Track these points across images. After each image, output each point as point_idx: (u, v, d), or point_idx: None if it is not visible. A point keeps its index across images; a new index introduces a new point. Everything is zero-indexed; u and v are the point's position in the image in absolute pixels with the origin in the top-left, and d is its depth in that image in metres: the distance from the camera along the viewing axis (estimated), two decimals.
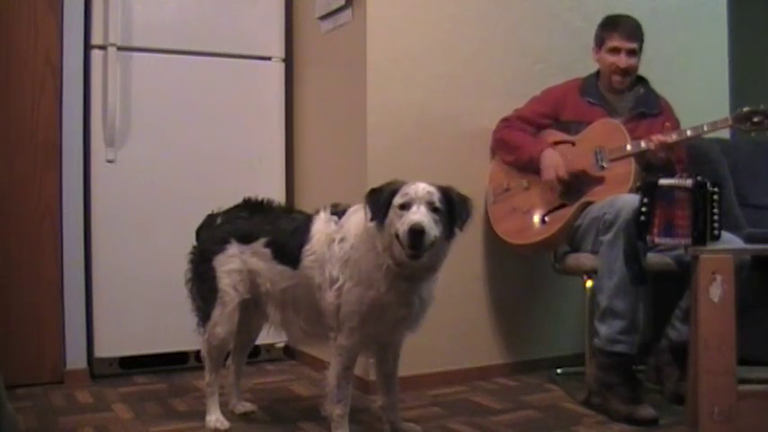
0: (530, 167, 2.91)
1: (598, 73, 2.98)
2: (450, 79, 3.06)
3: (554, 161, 2.83)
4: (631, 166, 2.71)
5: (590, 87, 2.96)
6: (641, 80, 2.98)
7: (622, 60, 2.86)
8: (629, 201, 2.52)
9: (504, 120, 3.04)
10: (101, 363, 3.13)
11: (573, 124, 2.92)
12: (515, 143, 2.96)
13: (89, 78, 3.09)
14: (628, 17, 2.93)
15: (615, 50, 2.87)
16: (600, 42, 2.94)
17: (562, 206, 2.83)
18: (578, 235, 2.77)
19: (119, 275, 3.10)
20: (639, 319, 2.55)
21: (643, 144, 2.70)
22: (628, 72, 2.88)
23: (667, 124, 2.72)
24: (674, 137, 2.70)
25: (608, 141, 2.79)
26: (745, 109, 2.60)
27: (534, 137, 2.96)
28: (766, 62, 4.16)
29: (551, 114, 2.98)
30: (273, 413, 2.62)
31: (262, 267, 2.31)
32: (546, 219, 2.85)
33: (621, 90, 2.92)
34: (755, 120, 2.58)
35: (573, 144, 2.89)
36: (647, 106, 2.91)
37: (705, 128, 2.66)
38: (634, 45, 2.86)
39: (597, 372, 2.59)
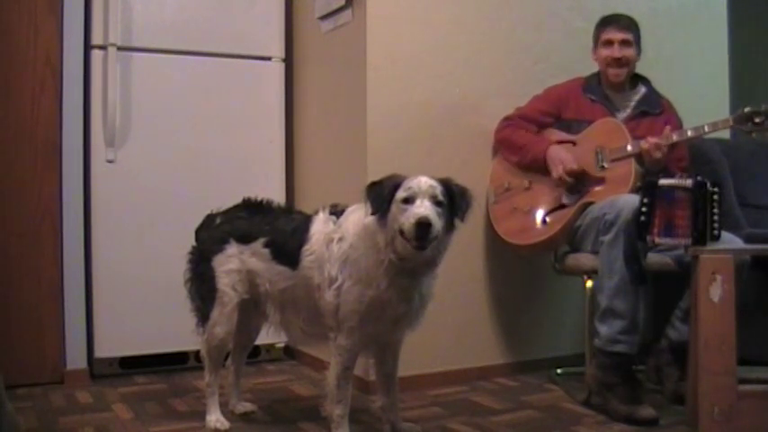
0: (533, 167, 2.91)
1: (600, 73, 2.99)
2: (450, 79, 3.06)
3: (560, 157, 2.83)
4: (632, 167, 2.70)
5: (592, 85, 2.97)
6: (643, 80, 2.98)
7: (615, 51, 2.87)
8: (630, 201, 2.51)
9: (506, 119, 3.04)
10: (101, 363, 3.13)
11: (574, 123, 2.93)
12: (519, 143, 2.96)
13: (89, 78, 3.09)
14: (621, 14, 2.96)
15: (608, 43, 2.90)
16: (596, 41, 2.97)
17: (562, 207, 2.82)
18: (578, 235, 2.77)
19: (119, 275, 3.10)
20: (640, 320, 2.54)
21: (642, 144, 2.70)
22: (622, 63, 2.88)
23: (668, 127, 2.72)
24: (674, 137, 2.70)
25: (609, 141, 2.79)
26: (747, 109, 2.59)
27: (537, 136, 2.96)
28: (766, 62, 4.16)
29: (553, 113, 2.98)
30: (273, 413, 2.62)
31: (261, 267, 2.31)
32: (547, 219, 2.85)
33: (621, 85, 2.93)
34: (757, 120, 2.57)
35: (574, 144, 2.89)
36: (649, 106, 2.91)
37: (706, 128, 2.66)
38: (627, 36, 2.88)
39: (597, 372, 2.58)
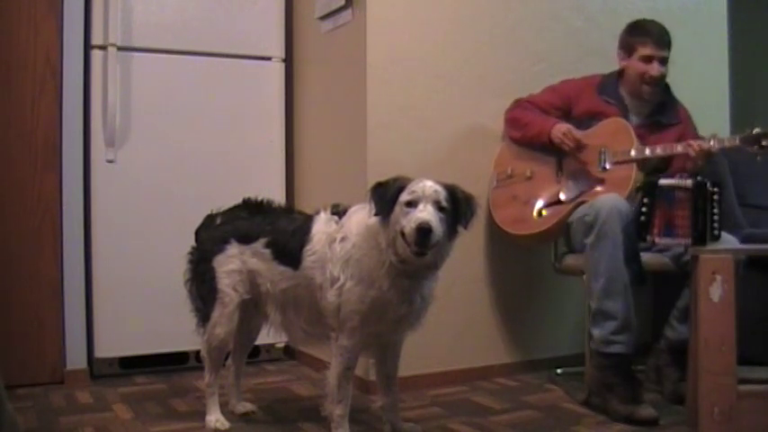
0: (534, 145, 2.89)
1: (619, 73, 2.92)
2: (450, 79, 3.06)
3: (566, 127, 2.81)
4: (632, 171, 2.68)
5: (609, 87, 2.90)
6: (664, 87, 2.90)
7: (655, 69, 2.79)
8: (607, 201, 2.51)
9: (518, 101, 3.03)
10: (101, 363, 3.13)
11: (585, 120, 2.87)
12: (525, 120, 2.94)
13: (89, 78, 3.09)
14: (656, 23, 2.86)
15: (648, 59, 2.80)
16: (630, 50, 2.86)
17: (560, 202, 2.81)
18: (570, 235, 2.78)
19: (119, 275, 3.10)
20: (633, 318, 2.53)
21: (679, 148, 2.63)
22: (659, 81, 2.82)
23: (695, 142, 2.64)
24: (710, 145, 2.61)
25: (614, 142, 2.76)
26: (756, 131, 2.51)
27: (545, 116, 2.92)
28: (766, 62, 4.16)
29: (563, 107, 2.95)
30: (273, 413, 2.62)
31: (262, 268, 2.31)
32: (543, 212, 2.84)
33: (648, 98, 2.86)
34: (764, 143, 2.50)
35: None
36: (663, 115, 2.86)
37: (712, 143, 2.61)
38: (667, 53, 2.81)
39: (596, 372, 2.58)
